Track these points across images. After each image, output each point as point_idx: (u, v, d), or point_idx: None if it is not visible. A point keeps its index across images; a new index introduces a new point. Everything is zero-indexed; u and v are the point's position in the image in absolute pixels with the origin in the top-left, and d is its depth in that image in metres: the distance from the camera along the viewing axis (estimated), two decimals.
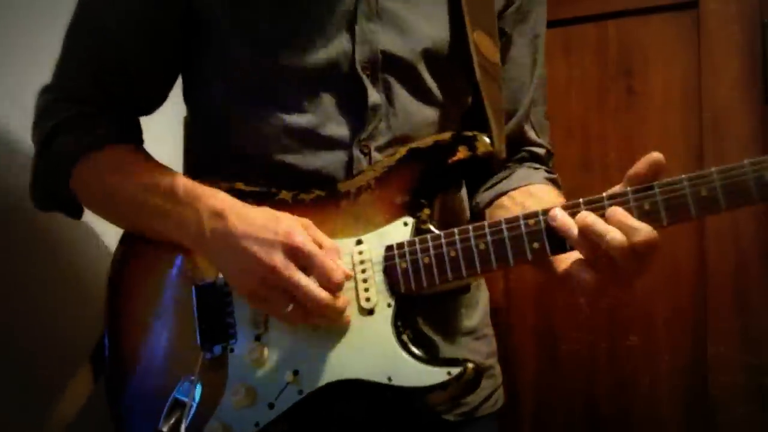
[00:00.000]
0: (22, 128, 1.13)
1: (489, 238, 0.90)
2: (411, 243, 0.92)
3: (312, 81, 1.01)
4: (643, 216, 0.84)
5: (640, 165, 0.85)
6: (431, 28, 1.05)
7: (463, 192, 1.17)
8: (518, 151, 1.18)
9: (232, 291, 0.97)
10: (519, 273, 2.01)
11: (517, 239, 0.89)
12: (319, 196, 0.98)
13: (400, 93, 1.04)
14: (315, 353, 0.93)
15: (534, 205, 0.95)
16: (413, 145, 0.97)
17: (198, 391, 0.89)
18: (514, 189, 1.12)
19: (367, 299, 0.93)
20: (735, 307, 1.82)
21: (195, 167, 1.13)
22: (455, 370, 0.89)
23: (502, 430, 1.18)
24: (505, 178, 1.15)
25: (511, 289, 2.05)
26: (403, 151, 0.97)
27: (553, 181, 1.17)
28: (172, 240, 0.98)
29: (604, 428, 1.96)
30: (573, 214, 0.86)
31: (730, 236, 1.83)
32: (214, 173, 1.03)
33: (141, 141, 1.10)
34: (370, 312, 0.92)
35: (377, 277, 0.93)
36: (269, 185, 1.00)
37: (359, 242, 0.95)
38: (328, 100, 1.02)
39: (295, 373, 0.92)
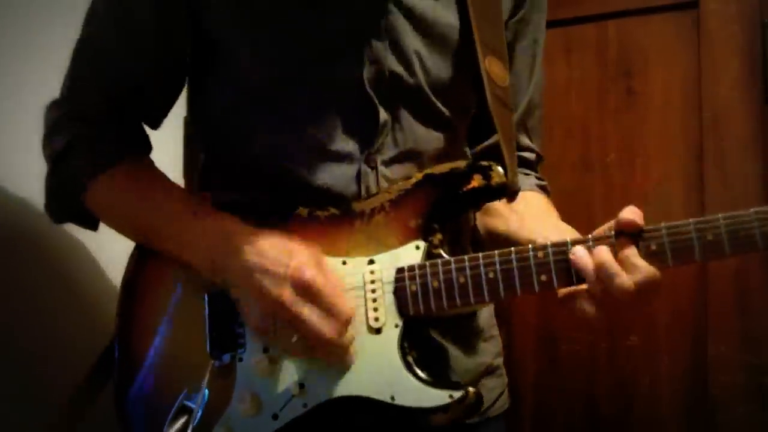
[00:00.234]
0: (25, 130, 1.14)
1: (498, 267, 0.91)
2: (422, 266, 0.94)
3: (321, 97, 1.02)
4: (649, 256, 0.87)
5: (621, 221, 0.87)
6: (439, 56, 1.06)
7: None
8: None
9: None
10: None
11: (525, 270, 0.90)
12: (334, 214, 0.99)
13: (407, 112, 1.05)
14: (321, 368, 0.94)
15: (529, 215, 0.97)
16: (429, 171, 0.99)
17: (204, 397, 0.89)
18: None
19: (376, 318, 0.94)
20: (735, 307, 1.82)
21: (207, 176, 1.14)
22: (457, 394, 0.90)
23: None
24: None
25: None
26: (419, 176, 0.99)
27: (542, 188, 1.20)
28: (187, 264, 0.99)
29: (604, 428, 1.96)
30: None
31: None
32: (226, 182, 1.05)
33: (150, 150, 1.11)
34: (378, 331, 0.94)
35: (387, 298, 0.94)
36: (282, 196, 1.02)
37: (371, 262, 0.96)
38: (336, 116, 1.03)
39: (301, 386, 0.94)
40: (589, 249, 0.88)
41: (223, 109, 1.08)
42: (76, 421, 1.17)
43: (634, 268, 0.85)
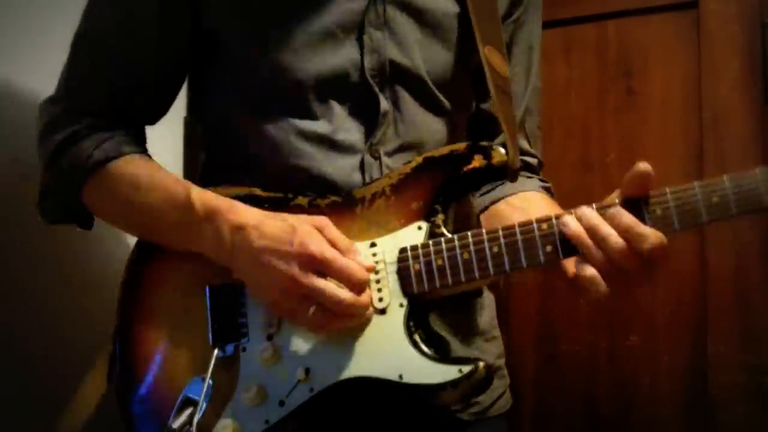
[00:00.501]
0: (24, 127, 1.14)
1: (502, 241, 0.91)
2: (425, 245, 0.94)
3: (323, 89, 1.03)
4: (655, 221, 0.86)
5: (631, 177, 0.87)
6: (438, 45, 1.07)
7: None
8: None
9: (246, 292, 0.98)
10: (519, 273, 2.01)
11: (530, 242, 0.90)
12: (335, 201, 0.99)
13: (408, 101, 1.06)
14: (327, 352, 0.94)
15: (533, 210, 0.97)
16: (428, 153, 0.99)
17: (209, 388, 0.89)
18: (510, 195, 1.15)
19: (380, 299, 0.94)
20: (735, 307, 1.82)
21: (207, 174, 1.14)
22: (466, 368, 0.90)
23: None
24: (499, 185, 1.18)
25: (511, 289, 2.05)
26: (419, 159, 0.98)
27: (547, 190, 1.19)
28: (191, 251, 0.99)
29: (604, 428, 1.96)
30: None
31: (730, 236, 1.83)
32: (227, 180, 1.04)
33: (146, 150, 1.10)
34: (383, 312, 0.93)
35: (390, 278, 0.94)
36: (285, 191, 1.01)
37: (373, 245, 0.96)
38: (339, 107, 1.04)
39: (307, 371, 0.93)
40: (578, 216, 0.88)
41: (225, 107, 1.09)
42: (82, 418, 1.17)
43: (638, 237, 0.85)
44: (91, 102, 1.05)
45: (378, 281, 0.94)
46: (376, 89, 1.03)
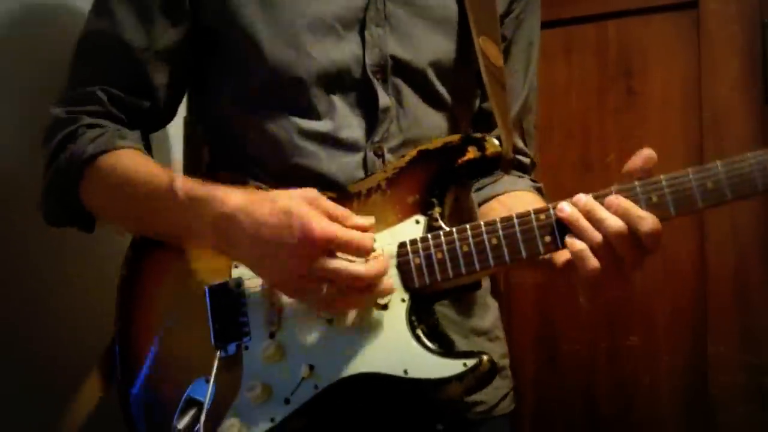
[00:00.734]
0: (28, 127, 1.14)
1: (501, 233, 0.92)
2: (424, 239, 0.94)
3: (325, 85, 1.03)
4: (651, 207, 0.87)
5: (636, 159, 0.89)
6: (438, 38, 1.08)
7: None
8: None
9: (246, 290, 0.98)
10: (519, 273, 2.01)
11: (528, 233, 0.91)
12: (330, 197, 0.97)
13: (410, 96, 1.06)
14: (330, 348, 0.93)
15: (524, 209, 0.97)
16: (423, 146, 0.99)
17: (212, 388, 0.89)
18: (501, 194, 1.16)
19: None
20: (735, 307, 1.82)
21: (210, 174, 1.13)
22: (471, 362, 0.90)
23: None
24: (490, 183, 1.19)
25: (511, 289, 2.05)
26: (413, 152, 0.99)
27: (538, 190, 1.20)
28: (187, 246, 0.99)
29: (604, 428, 1.96)
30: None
31: (730, 236, 1.83)
32: (230, 181, 1.02)
33: (142, 147, 1.08)
34: (385, 307, 0.93)
35: (391, 273, 0.94)
36: (284, 187, 1.00)
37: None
38: (341, 104, 1.04)
39: (311, 368, 0.93)
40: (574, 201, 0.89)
41: (226, 106, 1.09)
42: (82, 420, 1.17)
43: (636, 219, 0.86)
44: (95, 105, 1.05)
45: None
46: (378, 85, 1.04)
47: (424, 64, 1.07)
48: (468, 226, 0.93)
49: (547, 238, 0.90)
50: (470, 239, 0.92)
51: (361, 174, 1.03)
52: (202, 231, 0.93)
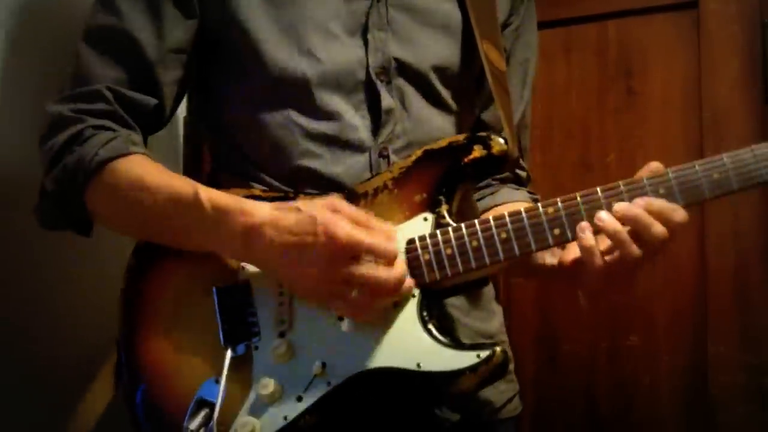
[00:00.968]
0: (30, 125, 1.13)
1: (510, 226, 0.93)
2: (433, 235, 0.95)
3: (330, 88, 1.03)
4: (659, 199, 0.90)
5: (642, 172, 0.93)
6: (441, 42, 1.10)
7: None
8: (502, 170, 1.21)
9: (254, 291, 0.98)
10: (521, 275, 2.01)
11: (537, 226, 0.93)
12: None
13: (414, 98, 1.07)
14: (342, 345, 0.93)
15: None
16: (428, 147, 0.99)
17: (223, 389, 0.89)
18: (500, 204, 1.17)
19: None
20: (735, 307, 1.82)
21: (214, 176, 1.13)
22: (484, 353, 0.90)
23: None
24: (489, 194, 1.20)
25: (511, 289, 2.05)
26: (418, 152, 0.99)
27: (536, 201, 1.20)
28: (206, 251, 0.97)
29: (604, 428, 1.96)
30: (591, 201, 0.92)
31: (730, 236, 1.83)
32: (234, 184, 1.04)
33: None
34: (395, 303, 0.94)
35: None
36: (287, 190, 1.02)
37: None
38: (346, 106, 1.04)
39: (323, 365, 0.93)
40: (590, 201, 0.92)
41: (230, 109, 1.09)
42: (90, 423, 1.17)
43: (672, 211, 0.89)
44: (100, 104, 1.02)
45: None
46: (382, 87, 1.05)
47: (426, 67, 1.08)
48: (476, 221, 0.94)
49: (557, 231, 0.92)
50: (479, 234, 0.93)
51: (366, 175, 1.03)
52: (228, 242, 0.94)
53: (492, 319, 1.17)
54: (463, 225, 0.94)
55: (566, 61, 2.05)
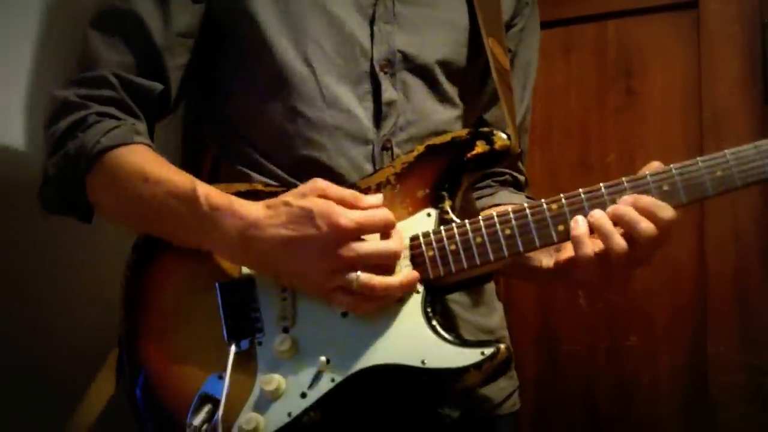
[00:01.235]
0: (34, 123, 1.13)
1: (514, 222, 0.93)
2: (437, 231, 0.95)
3: (335, 79, 1.04)
4: (663, 196, 0.91)
5: (645, 171, 0.93)
6: (446, 37, 1.10)
7: None
8: (502, 173, 1.23)
9: (257, 286, 0.97)
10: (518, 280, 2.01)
11: (541, 222, 0.93)
12: None
13: (418, 91, 1.08)
14: (346, 341, 0.93)
15: None
16: (430, 141, 0.99)
17: (227, 384, 0.89)
18: (499, 205, 1.17)
19: None
20: (735, 307, 1.82)
21: (216, 170, 1.13)
22: (489, 350, 0.91)
23: None
24: (488, 195, 1.21)
25: (511, 288, 2.05)
26: (421, 148, 0.99)
27: None
28: (201, 248, 0.97)
29: (604, 428, 1.96)
30: (594, 198, 0.92)
31: (730, 236, 1.83)
32: (235, 177, 1.04)
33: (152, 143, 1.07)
34: (400, 299, 0.94)
35: (403, 264, 0.94)
36: (289, 183, 1.01)
37: None
38: (350, 97, 1.04)
39: (327, 361, 0.93)
40: (595, 197, 0.92)
41: (233, 99, 1.08)
42: (92, 420, 1.16)
43: (658, 208, 0.89)
44: (106, 90, 1.01)
45: None
46: (386, 79, 1.05)
47: (431, 61, 1.08)
48: (480, 217, 0.94)
49: (561, 227, 0.92)
50: (483, 230, 0.93)
51: (369, 167, 1.03)
52: (225, 244, 0.93)
53: (493, 314, 1.17)
54: (467, 221, 0.94)
55: (566, 61, 2.05)
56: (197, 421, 0.87)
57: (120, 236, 1.06)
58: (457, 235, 0.94)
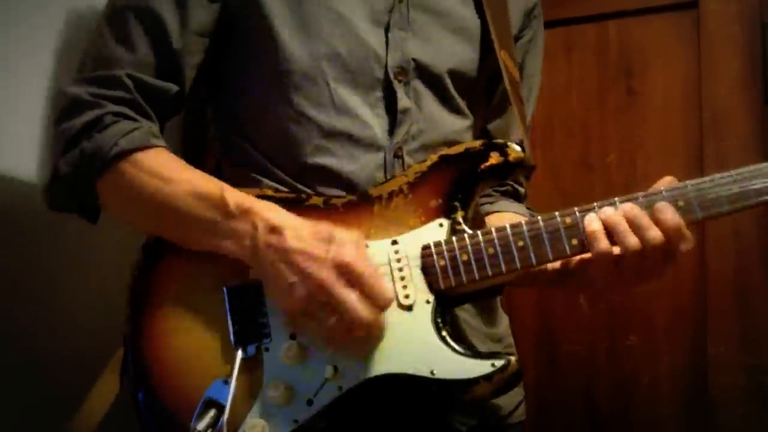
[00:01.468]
0: (40, 124, 1.12)
1: (527, 235, 0.93)
2: (448, 241, 0.94)
3: (347, 84, 1.03)
4: (678, 211, 0.90)
5: (658, 186, 0.93)
6: (459, 46, 1.10)
7: None
8: (504, 183, 1.23)
9: (266, 291, 0.96)
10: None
11: (555, 234, 0.92)
12: (351, 201, 0.98)
13: (429, 100, 1.07)
14: (354, 349, 0.92)
15: None
16: (444, 152, 0.99)
17: (232, 390, 0.89)
18: (502, 212, 1.18)
19: (406, 296, 0.93)
20: (735, 308, 1.82)
21: (220, 175, 1.12)
22: (499, 362, 0.90)
23: None
24: (488, 203, 1.21)
25: (511, 289, 2.05)
26: (434, 157, 0.99)
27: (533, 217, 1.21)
28: (217, 251, 0.96)
29: (604, 428, 1.96)
30: None
31: (730, 236, 1.83)
32: (244, 180, 1.03)
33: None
34: (409, 308, 0.93)
35: (415, 274, 0.94)
36: (299, 190, 1.01)
37: (394, 242, 0.96)
38: (361, 104, 1.04)
39: (335, 369, 0.92)
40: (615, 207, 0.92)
41: (243, 103, 1.08)
42: (92, 418, 1.16)
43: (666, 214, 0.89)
44: (120, 91, 1.00)
45: (402, 278, 0.94)
46: (399, 87, 1.04)
47: (443, 70, 1.08)
48: (493, 228, 0.94)
49: (574, 241, 0.92)
50: (496, 241, 0.93)
51: (380, 175, 1.03)
52: (244, 239, 0.92)
53: (499, 321, 1.17)
54: (479, 232, 0.94)
55: (567, 61, 2.05)
56: (201, 425, 0.87)
57: (125, 236, 1.06)
58: (469, 246, 0.93)
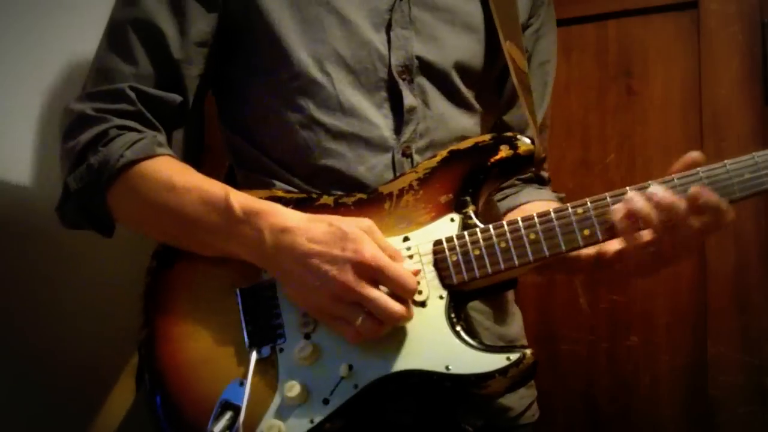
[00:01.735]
0: (45, 130, 1.12)
1: (539, 227, 0.93)
2: (460, 236, 0.94)
3: (352, 85, 1.03)
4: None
5: (678, 164, 0.95)
6: (464, 41, 1.10)
7: None
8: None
9: (279, 292, 0.96)
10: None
11: (567, 227, 0.93)
12: (361, 199, 0.99)
13: (436, 97, 1.07)
14: (368, 348, 0.92)
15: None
16: (454, 147, 0.99)
17: (248, 391, 0.89)
18: (525, 203, 1.18)
19: (419, 292, 0.93)
20: (735, 307, 1.82)
21: (232, 177, 1.12)
22: (515, 356, 0.91)
23: None
24: (512, 194, 1.21)
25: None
26: (444, 153, 0.99)
27: (561, 201, 1.22)
28: (228, 255, 0.96)
29: (604, 428, 1.96)
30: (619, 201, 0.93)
31: (730, 236, 1.83)
32: (254, 182, 1.04)
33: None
34: (423, 304, 0.93)
35: (427, 270, 0.94)
36: (309, 191, 1.01)
37: (406, 239, 0.96)
38: (368, 104, 1.04)
39: (350, 367, 0.92)
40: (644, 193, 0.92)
41: (251, 108, 1.08)
42: (109, 423, 1.16)
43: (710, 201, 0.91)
44: (124, 104, 1.00)
45: (414, 274, 0.93)
46: (404, 85, 1.04)
47: (449, 66, 1.08)
48: (504, 222, 0.94)
49: (586, 231, 0.92)
50: (508, 235, 0.93)
51: (389, 175, 1.02)
52: (255, 244, 0.93)
53: (512, 322, 1.17)
54: (491, 226, 0.94)
55: (566, 61, 2.04)
56: (218, 428, 0.87)
57: (138, 243, 1.06)
58: (481, 240, 0.93)
